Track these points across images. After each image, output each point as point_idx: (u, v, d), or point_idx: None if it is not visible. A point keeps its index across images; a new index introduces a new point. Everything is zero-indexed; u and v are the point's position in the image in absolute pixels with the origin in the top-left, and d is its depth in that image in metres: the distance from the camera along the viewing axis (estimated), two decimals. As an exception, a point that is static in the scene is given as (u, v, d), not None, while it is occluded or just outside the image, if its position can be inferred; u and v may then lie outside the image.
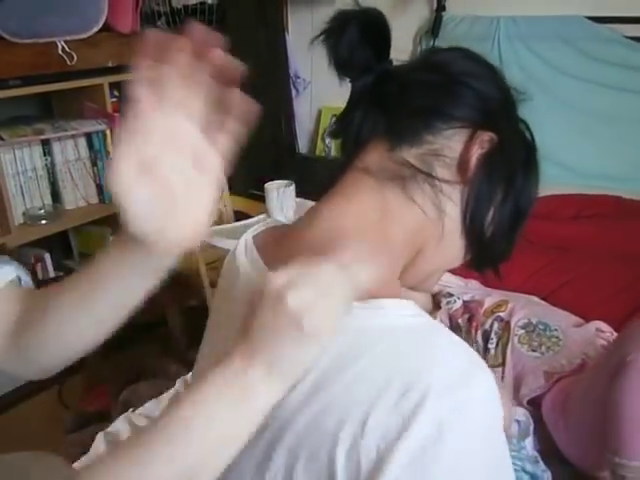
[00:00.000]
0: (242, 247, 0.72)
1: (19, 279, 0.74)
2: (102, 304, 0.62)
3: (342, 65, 0.66)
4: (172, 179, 0.49)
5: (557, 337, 1.45)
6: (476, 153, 0.63)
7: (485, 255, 0.70)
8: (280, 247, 0.67)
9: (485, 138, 0.63)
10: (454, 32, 2.24)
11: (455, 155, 0.64)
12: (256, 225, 0.76)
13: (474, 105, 0.64)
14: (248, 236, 0.73)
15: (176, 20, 2.41)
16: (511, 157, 0.66)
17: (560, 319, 1.53)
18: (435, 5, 2.26)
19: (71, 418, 2.09)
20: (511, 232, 0.69)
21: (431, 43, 2.27)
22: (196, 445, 0.50)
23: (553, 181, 2.10)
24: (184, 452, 0.50)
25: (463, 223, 0.65)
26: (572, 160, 2.08)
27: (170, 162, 0.49)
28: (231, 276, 0.73)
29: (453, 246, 0.67)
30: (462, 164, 0.63)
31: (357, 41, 0.64)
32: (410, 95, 0.65)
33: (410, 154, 0.64)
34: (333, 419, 0.54)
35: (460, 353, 0.57)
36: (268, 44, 2.50)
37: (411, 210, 0.64)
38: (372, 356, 0.55)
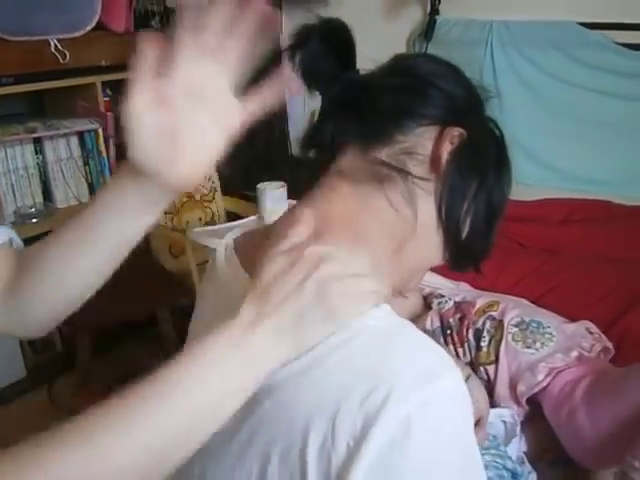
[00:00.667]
0: (222, 252, 0.72)
1: (10, 241, 0.76)
2: (103, 242, 0.62)
3: (309, 77, 0.67)
4: (183, 120, 0.52)
5: (550, 333, 1.46)
6: (447, 149, 0.65)
7: (463, 253, 0.71)
8: (260, 252, 0.67)
9: (454, 134, 0.65)
10: (447, 36, 2.25)
11: (427, 152, 0.65)
12: (236, 229, 0.76)
13: (441, 103, 0.66)
14: (228, 240, 0.74)
15: (170, 20, 2.41)
16: (481, 152, 0.67)
17: (550, 318, 1.55)
18: (429, 8, 2.27)
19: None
20: (487, 229, 0.70)
21: (424, 46, 2.28)
22: (189, 406, 0.50)
23: (543, 185, 2.12)
24: (176, 412, 0.50)
25: (439, 219, 0.67)
26: (562, 164, 2.10)
27: (186, 104, 0.52)
28: (212, 282, 0.73)
29: (431, 243, 0.68)
30: (434, 160, 0.65)
31: (321, 53, 0.66)
32: (379, 99, 0.66)
33: (383, 154, 0.65)
34: (302, 420, 0.55)
35: (426, 352, 0.57)
36: (262, 45, 2.50)
37: (387, 210, 0.65)
38: (339, 357, 0.55)
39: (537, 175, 2.14)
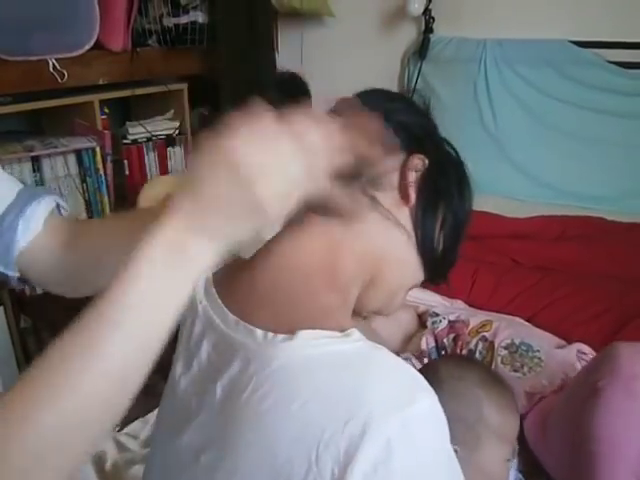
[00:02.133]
0: (201, 285, 0.73)
1: (58, 207, 0.80)
2: None
3: None
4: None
5: (539, 358, 1.46)
6: (412, 177, 0.67)
7: (437, 269, 0.74)
8: (235, 285, 0.68)
9: (416, 161, 0.67)
10: (442, 54, 2.28)
11: (394, 182, 0.68)
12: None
13: (399, 134, 0.68)
14: (208, 273, 0.74)
15: (167, 39, 2.43)
16: (443, 174, 0.70)
17: (542, 340, 1.55)
18: (423, 27, 2.29)
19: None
20: (456, 244, 0.73)
21: (418, 64, 2.30)
22: (142, 328, 0.50)
23: (537, 201, 2.13)
24: (131, 336, 0.49)
25: (416, 241, 0.69)
26: (555, 181, 2.11)
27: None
28: (191, 311, 0.73)
29: (410, 264, 0.71)
30: (402, 188, 0.67)
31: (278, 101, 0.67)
32: None
33: (353, 187, 0.66)
34: (284, 451, 0.55)
35: (401, 375, 0.58)
36: (258, 63, 2.52)
37: (360, 238, 0.67)
38: (312, 386, 0.56)
39: (531, 191, 2.15)
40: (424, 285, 0.76)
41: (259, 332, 0.61)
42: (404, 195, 0.67)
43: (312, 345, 0.58)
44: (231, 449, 0.59)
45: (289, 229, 0.68)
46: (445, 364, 1.06)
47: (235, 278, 0.70)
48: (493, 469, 1.00)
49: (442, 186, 0.70)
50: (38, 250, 0.76)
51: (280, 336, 0.59)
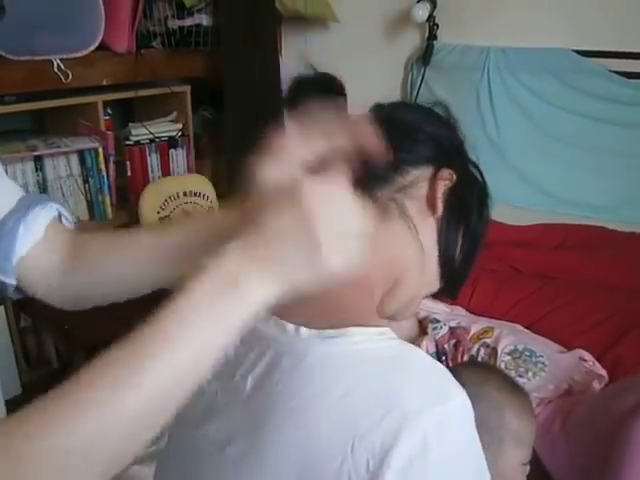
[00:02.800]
0: None
1: (60, 215, 0.79)
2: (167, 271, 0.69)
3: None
4: None
5: (543, 363, 1.47)
6: (441, 190, 0.69)
7: (452, 282, 0.76)
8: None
9: (446, 175, 0.69)
10: (445, 61, 2.28)
11: (422, 192, 0.70)
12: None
13: (430, 145, 0.70)
14: None
15: (171, 41, 2.44)
16: (468, 191, 0.72)
17: (545, 346, 1.55)
18: (427, 34, 2.30)
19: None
20: (472, 259, 0.75)
21: (422, 71, 2.31)
22: (188, 356, 0.49)
23: (538, 209, 2.14)
24: (176, 364, 0.49)
25: (439, 252, 0.71)
26: (557, 189, 2.12)
27: None
28: None
29: (430, 274, 0.73)
30: (430, 200, 0.69)
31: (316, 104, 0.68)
32: None
33: (382, 193, 0.69)
34: (319, 442, 0.56)
35: (433, 371, 0.60)
36: (262, 66, 2.53)
37: (387, 245, 0.69)
38: (350, 381, 0.58)
39: (532, 199, 2.16)
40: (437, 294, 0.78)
41: (290, 327, 0.62)
42: (432, 206, 0.69)
43: (347, 342, 0.60)
44: (261, 441, 0.60)
45: None
46: (466, 370, 1.08)
47: None
48: (511, 473, 1.02)
49: (467, 202, 0.72)
50: (37, 259, 0.74)
51: (314, 331, 0.61)
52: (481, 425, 0.96)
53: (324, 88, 0.69)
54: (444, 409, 0.56)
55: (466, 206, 0.72)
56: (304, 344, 0.61)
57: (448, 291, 0.78)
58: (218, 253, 0.51)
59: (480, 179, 0.75)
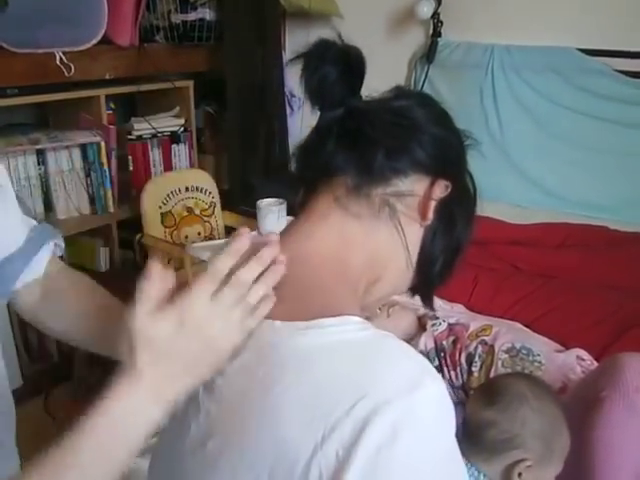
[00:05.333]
0: None
1: (55, 245, 0.89)
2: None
3: (314, 95, 0.70)
4: None
5: (539, 362, 1.46)
6: (435, 198, 0.69)
7: (426, 285, 0.77)
8: None
9: (442, 186, 0.69)
10: (449, 58, 2.28)
11: (417, 198, 0.69)
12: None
13: (433, 152, 0.69)
14: None
15: (174, 35, 2.43)
16: (461, 204, 0.73)
17: (542, 345, 1.55)
18: (431, 31, 2.30)
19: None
20: (451, 266, 0.76)
21: (426, 68, 2.30)
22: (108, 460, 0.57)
23: (540, 208, 2.13)
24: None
25: (419, 257, 0.72)
26: (559, 188, 2.11)
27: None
28: None
29: (405, 276, 0.73)
30: (422, 207, 0.69)
31: (333, 77, 0.68)
32: (379, 136, 0.69)
33: (377, 192, 0.68)
34: (289, 434, 0.56)
35: (409, 360, 0.59)
36: (265, 62, 2.53)
37: (373, 243, 0.69)
38: (322, 371, 0.58)
39: (534, 198, 2.15)
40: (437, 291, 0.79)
41: (267, 321, 0.62)
42: (422, 213, 0.69)
43: (319, 333, 0.60)
44: (238, 434, 0.60)
45: (308, 219, 0.70)
46: (524, 380, 1.10)
47: None
48: None
49: (457, 215, 0.72)
50: (30, 292, 0.86)
51: (287, 324, 0.61)
52: (540, 438, 1.01)
53: (346, 61, 0.68)
54: (415, 398, 0.55)
55: (456, 218, 0.72)
56: (277, 337, 0.61)
57: (421, 297, 0.79)
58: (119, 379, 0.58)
59: (473, 195, 0.75)
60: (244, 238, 0.60)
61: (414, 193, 0.69)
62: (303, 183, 0.75)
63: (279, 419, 0.57)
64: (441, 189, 0.69)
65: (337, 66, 0.67)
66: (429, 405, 0.56)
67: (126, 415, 0.58)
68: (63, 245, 0.90)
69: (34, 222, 0.89)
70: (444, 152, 0.70)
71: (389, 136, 0.69)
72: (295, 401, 0.57)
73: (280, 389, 0.58)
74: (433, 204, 0.69)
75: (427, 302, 0.80)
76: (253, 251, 0.60)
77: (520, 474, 0.98)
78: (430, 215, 0.69)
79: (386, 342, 0.61)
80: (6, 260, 0.83)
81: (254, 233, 0.63)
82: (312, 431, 0.55)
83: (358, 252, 0.69)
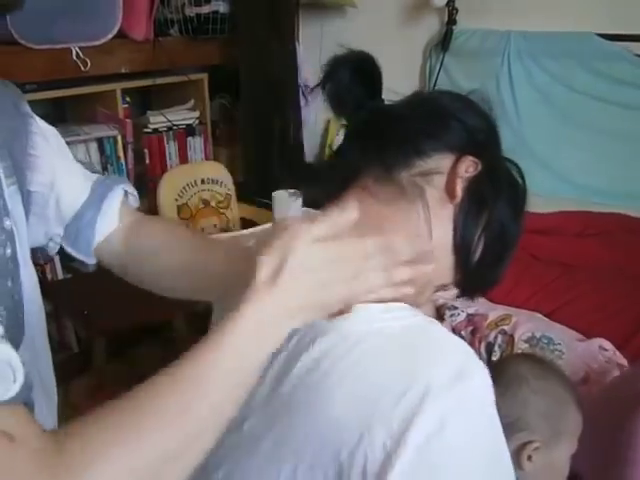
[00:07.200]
0: None
1: (126, 193, 0.87)
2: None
3: (337, 105, 0.74)
4: None
5: (560, 351, 1.45)
6: (462, 176, 0.68)
7: (472, 279, 0.74)
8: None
9: (470, 163, 0.68)
10: (464, 46, 2.25)
11: (443, 178, 0.69)
12: (253, 240, 0.77)
13: (460, 134, 0.69)
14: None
15: (189, 29, 2.44)
16: (494, 184, 0.70)
17: (563, 334, 1.53)
18: (446, 18, 2.27)
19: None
20: (498, 261, 0.73)
21: (441, 56, 2.28)
22: (214, 391, 0.52)
23: (559, 196, 2.11)
24: (209, 398, 0.52)
25: (454, 241, 0.69)
26: (579, 176, 2.09)
27: None
28: None
29: (443, 262, 0.71)
30: (449, 186, 0.68)
31: (348, 83, 0.72)
32: (401, 125, 0.71)
33: (402, 176, 0.68)
34: (334, 422, 0.56)
35: (455, 347, 0.59)
36: (279, 53, 2.52)
37: (405, 228, 0.68)
38: (369, 358, 0.58)
39: (553, 187, 2.13)
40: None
41: None
42: (450, 192, 0.68)
43: (367, 320, 0.60)
44: (278, 420, 0.60)
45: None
46: (524, 362, 1.08)
47: None
48: (561, 465, 1.02)
49: (490, 195, 0.70)
50: (110, 242, 0.84)
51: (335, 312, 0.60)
52: (544, 419, 0.99)
53: (359, 66, 0.71)
54: (464, 388, 0.55)
55: (490, 199, 0.70)
56: (323, 323, 0.61)
57: (470, 290, 0.76)
58: (248, 296, 0.55)
59: (516, 182, 0.73)
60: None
61: (440, 170, 0.68)
62: (332, 184, 0.76)
63: (324, 406, 0.57)
64: (467, 166, 0.68)
65: (350, 73, 0.71)
66: (476, 394, 0.56)
67: (261, 325, 0.54)
68: (136, 193, 0.89)
69: (97, 175, 0.88)
70: (473, 135, 0.70)
71: (411, 124, 0.70)
72: (341, 387, 0.57)
73: (326, 375, 0.58)
74: (460, 182, 0.68)
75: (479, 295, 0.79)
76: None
77: (530, 457, 0.97)
78: (458, 193, 0.68)
79: (433, 329, 0.61)
80: (76, 217, 0.82)
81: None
82: (358, 419, 0.55)
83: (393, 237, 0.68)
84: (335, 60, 0.72)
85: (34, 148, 0.77)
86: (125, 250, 0.84)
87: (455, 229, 0.69)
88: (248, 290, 0.54)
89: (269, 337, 0.55)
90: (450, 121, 0.70)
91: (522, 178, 0.74)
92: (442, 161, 0.69)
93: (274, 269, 0.54)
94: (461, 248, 0.70)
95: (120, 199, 0.85)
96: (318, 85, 0.73)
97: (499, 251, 0.72)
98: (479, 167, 0.68)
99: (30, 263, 0.77)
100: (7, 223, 0.69)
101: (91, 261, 0.86)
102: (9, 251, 0.70)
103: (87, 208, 0.82)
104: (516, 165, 0.74)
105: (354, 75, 0.71)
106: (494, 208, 0.70)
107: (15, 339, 0.76)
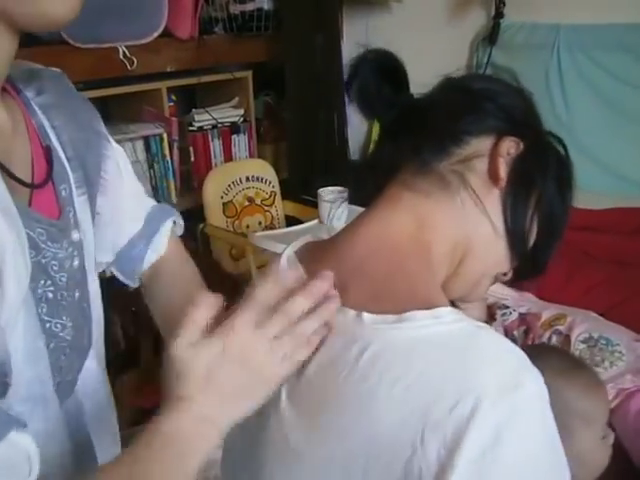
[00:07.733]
0: (284, 264, 0.72)
1: (175, 223, 0.95)
2: None
3: (366, 106, 0.72)
4: None
5: (620, 352, 1.41)
6: (504, 158, 0.66)
7: (528, 262, 0.71)
8: (320, 266, 0.67)
9: (511, 144, 0.66)
10: (512, 40, 2.21)
11: (484, 162, 0.66)
12: (295, 241, 0.76)
13: (497, 115, 0.67)
14: (289, 252, 0.73)
15: (233, 26, 2.44)
16: (539, 162, 0.68)
17: (621, 334, 1.48)
18: (493, 12, 2.23)
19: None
20: (550, 240, 0.71)
21: (488, 51, 2.24)
22: None
23: (612, 193, 2.05)
24: None
25: (505, 226, 0.67)
26: (632, 172, 2.03)
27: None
28: None
29: (496, 251, 0.69)
30: (492, 169, 0.66)
31: (373, 82, 0.69)
32: (435, 116, 0.68)
33: (442, 167, 0.66)
34: (386, 433, 0.55)
35: (508, 354, 0.57)
36: (323, 50, 2.51)
37: (450, 220, 0.66)
38: (417, 370, 0.55)
39: (606, 183, 2.07)
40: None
41: (351, 312, 0.61)
42: (494, 176, 0.66)
43: (414, 327, 0.57)
44: (323, 430, 0.59)
45: (378, 209, 0.69)
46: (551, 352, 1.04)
47: (320, 258, 0.69)
48: (591, 451, 0.98)
49: (536, 173, 0.67)
50: (155, 269, 0.91)
51: (377, 317, 0.59)
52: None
53: (380, 65, 0.69)
54: (518, 397, 0.52)
55: (537, 177, 0.67)
56: (368, 331, 0.58)
57: (528, 273, 0.74)
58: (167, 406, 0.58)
59: (562, 157, 0.70)
60: (291, 274, 0.63)
61: (479, 154, 0.66)
62: (372, 182, 0.74)
63: (372, 417, 0.56)
64: (508, 147, 0.65)
65: (372, 72, 0.69)
66: (532, 404, 0.54)
67: (181, 440, 0.57)
68: (182, 223, 0.95)
69: (152, 202, 0.93)
70: (511, 115, 0.67)
71: (445, 110, 0.68)
72: (390, 399, 0.55)
73: (370, 386, 0.56)
74: (502, 162, 0.65)
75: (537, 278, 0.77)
76: (302, 284, 0.61)
77: None
78: (502, 174, 0.65)
79: (483, 335, 0.58)
80: (128, 245, 0.88)
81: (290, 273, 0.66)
82: (409, 429, 0.53)
83: (436, 231, 0.66)
84: (356, 62, 0.70)
85: (106, 172, 0.82)
86: (149, 275, 0.92)
87: (504, 213, 0.67)
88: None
89: (194, 445, 0.57)
90: (483, 103, 0.67)
91: (565, 150, 0.71)
92: (481, 145, 0.66)
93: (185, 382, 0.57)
94: (514, 233, 0.67)
95: (169, 233, 0.91)
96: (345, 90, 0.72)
97: (550, 229, 0.70)
98: (521, 146, 0.66)
99: (94, 271, 0.82)
100: (75, 235, 0.73)
101: (134, 284, 0.93)
102: (77, 262, 0.74)
103: (139, 240, 0.88)
104: (558, 138, 0.71)
105: (377, 75, 0.69)
106: (544, 187, 0.68)
107: (82, 351, 0.78)
